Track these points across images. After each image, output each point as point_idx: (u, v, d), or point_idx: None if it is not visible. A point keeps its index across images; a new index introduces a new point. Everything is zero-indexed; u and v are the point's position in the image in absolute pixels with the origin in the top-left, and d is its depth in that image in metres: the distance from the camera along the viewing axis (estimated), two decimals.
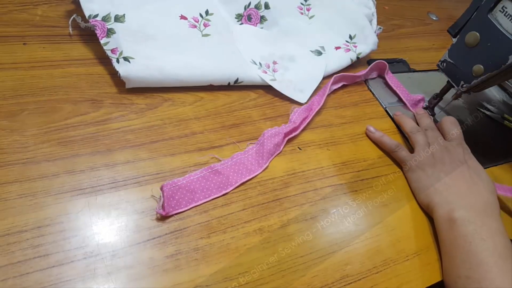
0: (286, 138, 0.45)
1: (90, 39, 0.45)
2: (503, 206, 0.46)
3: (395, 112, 0.53)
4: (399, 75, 0.61)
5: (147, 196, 0.35)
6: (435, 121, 0.55)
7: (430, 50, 0.70)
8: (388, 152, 0.48)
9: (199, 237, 0.34)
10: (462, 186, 0.42)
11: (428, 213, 0.43)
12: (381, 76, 0.59)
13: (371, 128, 0.49)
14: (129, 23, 0.44)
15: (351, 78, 0.55)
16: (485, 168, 0.46)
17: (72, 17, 0.45)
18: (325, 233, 0.38)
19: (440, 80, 0.58)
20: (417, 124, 0.51)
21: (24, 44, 0.42)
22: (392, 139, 0.48)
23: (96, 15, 0.42)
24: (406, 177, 0.46)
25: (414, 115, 0.54)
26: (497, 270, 0.35)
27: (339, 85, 0.54)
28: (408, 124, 0.50)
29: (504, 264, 0.35)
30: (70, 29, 0.45)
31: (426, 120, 0.51)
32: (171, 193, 0.35)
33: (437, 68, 0.51)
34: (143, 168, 0.37)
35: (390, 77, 0.58)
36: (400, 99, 0.56)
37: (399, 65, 0.63)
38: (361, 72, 0.56)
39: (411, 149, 0.48)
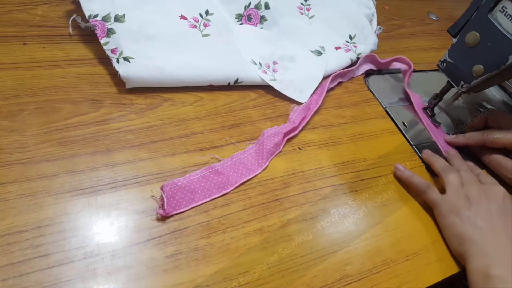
0: (286, 138, 0.45)
1: (90, 39, 0.45)
2: None
3: (423, 151, 0.49)
4: (398, 75, 0.61)
5: (147, 196, 0.35)
6: (435, 122, 0.55)
7: (430, 50, 0.70)
8: (388, 154, 0.48)
9: (199, 237, 0.34)
10: (501, 236, 0.38)
11: (461, 263, 0.40)
12: (378, 70, 0.59)
13: (400, 167, 0.45)
14: (129, 23, 0.44)
15: (345, 73, 0.55)
16: (485, 168, 0.46)
17: (72, 17, 0.45)
18: (325, 233, 0.38)
19: (440, 80, 0.58)
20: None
21: (24, 44, 0.42)
22: (422, 179, 0.44)
23: (96, 15, 0.42)
24: (438, 223, 0.42)
25: (445, 157, 0.50)
26: None
27: (335, 83, 0.54)
28: (438, 163, 0.46)
29: None
30: (70, 29, 0.45)
31: (458, 161, 0.47)
32: (171, 193, 0.35)
33: (437, 68, 0.51)
34: (143, 168, 0.37)
35: (383, 60, 0.58)
36: (400, 99, 0.57)
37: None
38: (354, 66, 0.56)
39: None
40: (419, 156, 0.50)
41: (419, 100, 0.56)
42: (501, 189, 0.42)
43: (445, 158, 0.49)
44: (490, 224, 0.39)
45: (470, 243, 0.38)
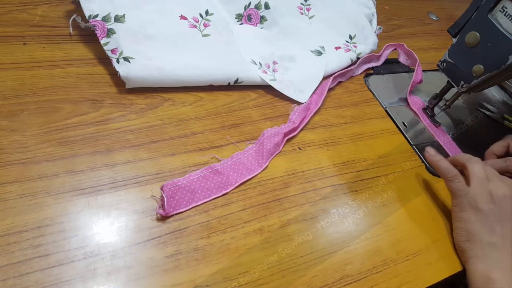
0: (286, 138, 0.45)
1: (90, 39, 0.45)
2: None
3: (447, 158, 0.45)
4: (398, 75, 0.61)
5: (147, 196, 0.35)
6: (435, 122, 0.55)
7: (430, 50, 0.70)
8: (388, 154, 0.48)
9: (199, 237, 0.34)
10: (507, 242, 0.38)
11: (460, 258, 0.40)
12: (378, 70, 0.59)
13: (431, 151, 0.44)
14: (129, 23, 0.44)
15: (345, 73, 0.56)
16: None
17: (72, 17, 0.45)
18: (325, 233, 0.38)
19: (440, 80, 0.58)
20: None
21: (24, 44, 0.42)
22: (450, 166, 0.42)
23: (96, 15, 0.42)
24: (452, 212, 0.42)
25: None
26: None
27: (335, 83, 0.54)
28: (463, 155, 0.44)
29: None
30: (70, 29, 0.45)
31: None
32: (171, 193, 0.35)
33: (437, 68, 0.51)
34: (143, 168, 0.37)
35: (384, 55, 0.60)
36: (400, 99, 0.57)
37: (399, 65, 0.63)
38: (353, 66, 0.57)
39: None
40: (419, 156, 0.50)
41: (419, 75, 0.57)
42: None
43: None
44: (502, 229, 0.38)
45: (478, 244, 0.38)
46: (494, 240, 0.38)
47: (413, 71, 0.62)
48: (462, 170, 0.43)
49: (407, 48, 0.60)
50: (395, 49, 0.62)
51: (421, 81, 0.57)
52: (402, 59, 0.62)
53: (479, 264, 0.38)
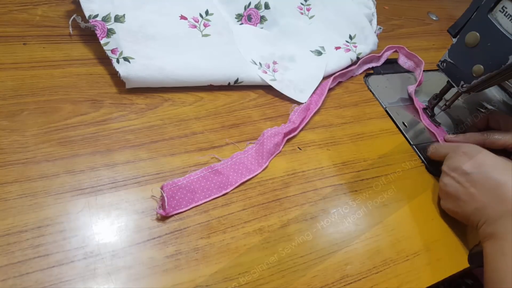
0: (286, 138, 0.45)
1: (90, 39, 0.45)
2: None
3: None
4: (399, 75, 0.61)
5: (147, 196, 0.35)
6: (435, 122, 0.55)
7: (430, 50, 0.70)
8: (388, 154, 0.48)
9: (199, 237, 0.34)
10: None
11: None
12: (378, 70, 0.59)
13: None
14: (129, 23, 0.44)
15: (345, 74, 0.56)
16: None
17: (72, 17, 0.45)
18: (325, 233, 0.38)
19: (440, 80, 0.58)
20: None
21: (24, 44, 0.42)
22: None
23: (96, 15, 0.42)
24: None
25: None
26: None
27: (335, 83, 0.54)
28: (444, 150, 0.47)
29: None
30: (70, 29, 0.45)
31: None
32: (171, 193, 0.35)
33: (437, 68, 0.51)
34: (143, 168, 0.37)
35: (384, 56, 0.60)
36: (400, 99, 0.57)
37: (399, 65, 0.62)
38: (353, 66, 0.57)
39: None
40: (419, 156, 0.50)
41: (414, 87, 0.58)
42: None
43: None
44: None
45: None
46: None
47: (413, 72, 0.63)
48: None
49: (408, 51, 0.60)
50: (395, 51, 0.62)
51: (420, 83, 0.58)
52: (401, 61, 0.62)
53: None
